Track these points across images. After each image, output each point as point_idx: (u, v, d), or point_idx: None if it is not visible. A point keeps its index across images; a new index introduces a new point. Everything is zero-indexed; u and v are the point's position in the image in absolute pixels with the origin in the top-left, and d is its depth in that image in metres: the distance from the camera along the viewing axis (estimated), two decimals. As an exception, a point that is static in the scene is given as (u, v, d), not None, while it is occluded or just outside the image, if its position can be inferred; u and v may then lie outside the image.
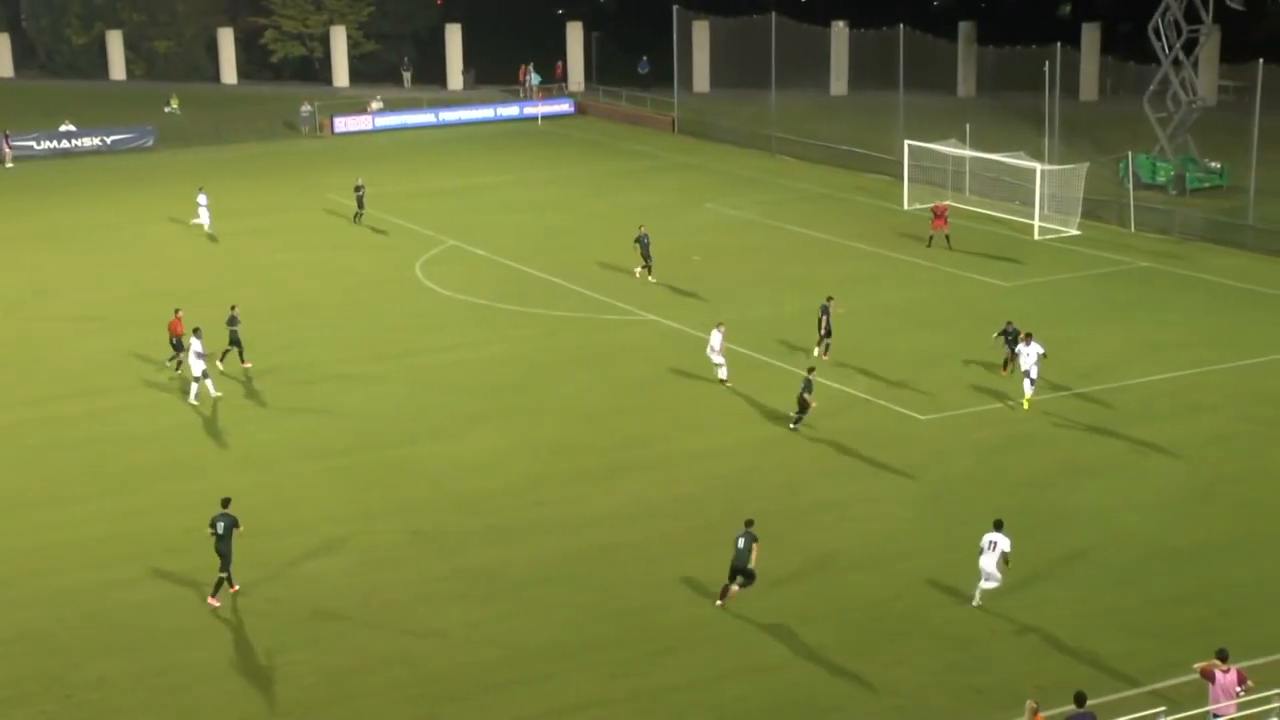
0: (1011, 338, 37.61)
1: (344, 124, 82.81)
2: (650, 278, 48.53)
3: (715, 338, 38.05)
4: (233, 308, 40.37)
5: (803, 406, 34.86)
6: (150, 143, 78.48)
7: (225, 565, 26.97)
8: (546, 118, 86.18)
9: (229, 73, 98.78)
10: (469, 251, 53.59)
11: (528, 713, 23.63)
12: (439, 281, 49.25)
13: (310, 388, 39.22)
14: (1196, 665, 21.69)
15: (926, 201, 57.18)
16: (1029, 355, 35.85)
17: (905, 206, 58.85)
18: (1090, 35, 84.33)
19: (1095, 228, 54.96)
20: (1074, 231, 54.27)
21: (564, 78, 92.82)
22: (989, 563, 25.94)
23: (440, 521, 30.76)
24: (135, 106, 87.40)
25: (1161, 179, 60.58)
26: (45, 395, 39.20)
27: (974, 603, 26.37)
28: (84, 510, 31.74)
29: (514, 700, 23.96)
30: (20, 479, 33.55)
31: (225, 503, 27.50)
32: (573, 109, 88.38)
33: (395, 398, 38.39)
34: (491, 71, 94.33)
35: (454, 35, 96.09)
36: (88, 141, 77.69)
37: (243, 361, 39.92)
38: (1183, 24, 59.97)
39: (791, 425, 35.05)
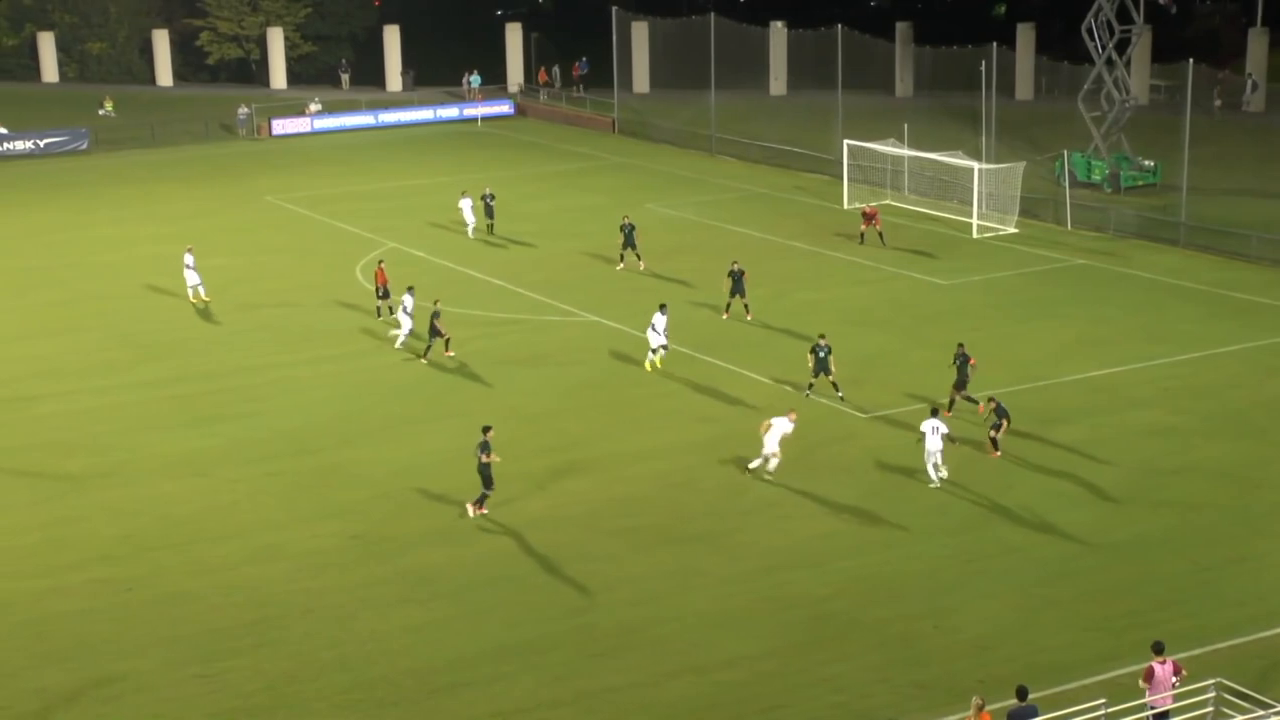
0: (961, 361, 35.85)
1: (282, 126, 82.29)
2: (640, 265, 49.51)
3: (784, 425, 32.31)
4: (435, 302, 41.13)
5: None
6: (84, 145, 77.67)
7: (486, 485, 30.40)
8: (486, 119, 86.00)
9: (164, 75, 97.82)
10: (409, 253, 53.35)
11: (472, 716, 23.54)
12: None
13: (248, 392, 38.95)
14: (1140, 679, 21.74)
15: (866, 200, 57.57)
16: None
17: (845, 206, 59.17)
18: (1025, 35, 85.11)
19: (1032, 226, 55.50)
20: (1011, 230, 54.76)
21: (579, 79, 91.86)
22: (935, 444, 31.42)
23: (381, 525, 30.60)
24: (68, 109, 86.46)
25: (1096, 177, 61.24)
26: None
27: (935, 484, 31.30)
28: (17, 519, 31.33)
29: (458, 704, 23.88)
30: (-47, 488, 33.12)
31: (485, 430, 30.43)
32: (513, 110, 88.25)
33: (335, 401, 38.17)
34: (430, 73, 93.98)
35: (392, 36, 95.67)
36: (20, 145, 76.83)
37: (446, 350, 40.99)
38: (1115, 24, 60.65)
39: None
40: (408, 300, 41.58)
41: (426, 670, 24.86)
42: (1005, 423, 33.00)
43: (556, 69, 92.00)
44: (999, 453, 33.13)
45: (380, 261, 46.05)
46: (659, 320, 39.10)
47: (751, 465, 32.39)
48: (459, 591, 27.62)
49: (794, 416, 32.41)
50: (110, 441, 35.62)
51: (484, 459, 30.19)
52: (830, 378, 36.49)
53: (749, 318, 43.43)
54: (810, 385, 36.92)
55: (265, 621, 26.57)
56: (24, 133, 77.46)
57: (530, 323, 44.76)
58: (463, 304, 46.67)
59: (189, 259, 46.83)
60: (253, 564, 28.87)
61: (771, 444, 31.93)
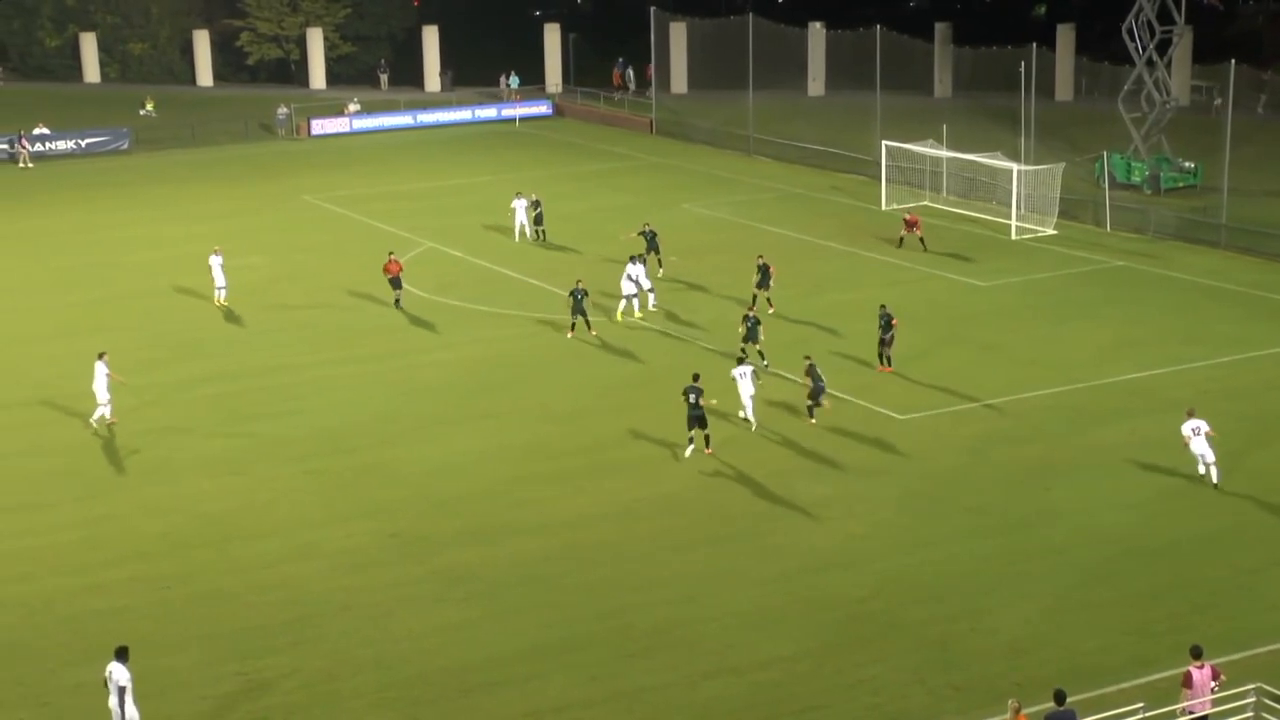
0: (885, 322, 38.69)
1: (321, 126, 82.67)
2: (659, 271, 48.96)
3: None
4: (578, 281, 43.05)
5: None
6: (126, 145, 78.22)
7: (691, 426, 33.20)
8: (524, 119, 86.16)
9: (205, 75, 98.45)
10: (446, 253, 53.51)
11: (507, 715, 23.59)
12: (416, 283, 49.06)
13: (285, 391, 39.14)
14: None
15: (904, 202, 57.42)
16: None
17: (883, 207, 59.01)
18: (1065, 36, 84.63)
19: (1071, 227, 55.18)
20: (1050, 231, 54.47)
21: (650, 80, 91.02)
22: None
23: (417, 524, 30.71)
24: (110, 109, 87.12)
25: (1136, 179, 60.86)
26: (15, 400, 39.02)
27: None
28: (58, 516, 31.58)
29: (493, 703, 23.93)
30: (-6, 484, 33.41)
31: (695, 377, 33.51)
32: (551, 111, 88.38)
33: (371, 400, 38.31)
34: (469, 73, 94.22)
35: (431, 37, 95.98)
36: (62, 144, 77.39)
37: (589, 330, 42.72)
38: (1156, 25, 60.26)
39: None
40: (631, 269, 43.92)
41: (461, 669, 24.93)
42: (820, 389, 34.61)
43: (631, 71, 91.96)
44: (814, 420, 35.05)
45: (390, 253, 47.14)
46: (633, 270, 42.26)
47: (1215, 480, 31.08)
48: (493, 591, 27.69)
49: (1194, 412, 31.53)
50: (148, 439, 35.85)
51: (699, 402, 32.84)
52: (757, 346, 38.80)
53: (771, 310, 43.69)
54: (742, 351, 38.82)
55: (302, 620, 26.70)
56: (66, 132, 78.02)
57: (566, 322, 44.74)
58: (500, 304, 46.77)
59: (216, 260, 46.63)
60: (290, 562, 29.03)
61: (1208, 453, 31.07)
